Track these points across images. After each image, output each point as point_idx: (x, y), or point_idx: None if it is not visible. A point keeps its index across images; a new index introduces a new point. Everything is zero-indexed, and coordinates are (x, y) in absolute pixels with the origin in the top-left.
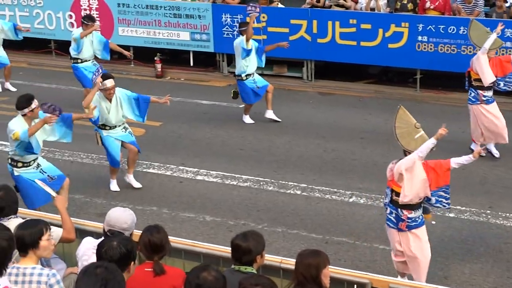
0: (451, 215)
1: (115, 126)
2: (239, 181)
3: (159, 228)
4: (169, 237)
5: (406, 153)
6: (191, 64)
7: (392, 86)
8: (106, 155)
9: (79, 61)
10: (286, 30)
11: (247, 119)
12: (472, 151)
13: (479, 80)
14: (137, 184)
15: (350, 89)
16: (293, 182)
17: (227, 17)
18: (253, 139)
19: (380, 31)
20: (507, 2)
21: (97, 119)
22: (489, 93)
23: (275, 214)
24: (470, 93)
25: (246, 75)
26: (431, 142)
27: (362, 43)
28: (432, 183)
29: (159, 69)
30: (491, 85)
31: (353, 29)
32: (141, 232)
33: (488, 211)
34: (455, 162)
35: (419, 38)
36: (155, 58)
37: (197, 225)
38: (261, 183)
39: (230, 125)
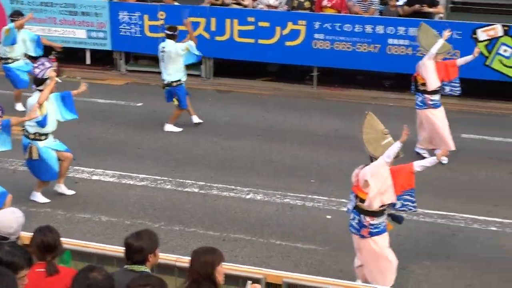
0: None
1: (47, 135)
2: (135, 180)
3: (50, 228)
4: (61, 238)
5: (372, 159)
6: (88, 62)
7: (290, 84)
8: (36, 168)
9: (9, 61)
10: (185, 27)
11: (196, 118)
12: (418, 154)
13: (426, 84)
14: (70, 192)
15: (249, 86)
16: (191, 180)
17: (125, 15)
18: (151, 138)
19: (278, 29)
20: (398, 0)
21: (44, 120)
22: (436, 97)
23: (172, 212)
24: (417, 98)
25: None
26: (396, 146)
27: (260, 41)
28: (397, 188)
29: (55, 68)
30: (438, 89)
31: (251, 27)
32: (33, 233)
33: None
34: (418, 165)
35: (316, 36)
36: (50, 57)
37: (93, 225)
38: (158, 181)
39: (128, 124)
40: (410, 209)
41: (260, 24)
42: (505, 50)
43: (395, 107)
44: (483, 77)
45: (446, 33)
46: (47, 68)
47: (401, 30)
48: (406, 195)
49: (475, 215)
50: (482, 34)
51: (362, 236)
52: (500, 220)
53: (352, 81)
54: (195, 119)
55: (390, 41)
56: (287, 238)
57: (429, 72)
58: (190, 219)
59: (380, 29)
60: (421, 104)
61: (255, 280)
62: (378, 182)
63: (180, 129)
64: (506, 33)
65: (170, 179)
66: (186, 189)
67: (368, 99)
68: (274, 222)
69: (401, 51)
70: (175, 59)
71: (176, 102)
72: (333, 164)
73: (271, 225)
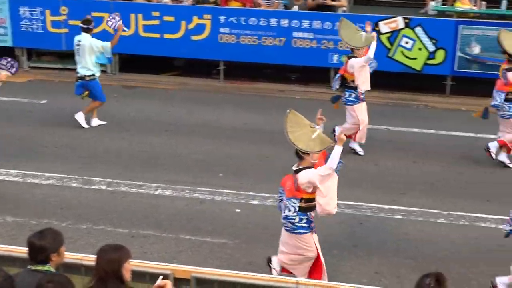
0: (255, 202)
1: None
2: (41, 179)
3: None
4: None
5: (300, 153)
6: None
7: (196, 78)
8: None
9: None
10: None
11: (96, 121)
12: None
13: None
14: None
15: (155, 82)
16: (98, 178)
17: (26, 10)
18: (56, 135)
19: (183, 23)
20: None
21: None
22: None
23: (79, 210)
24: (350, 95)
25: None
26: (339, 151)
27: (166, 36)
28: None
29: None
30: None
31: (156, 22)
32: None
33: None
34: (330, 164)
35: (221, 30)
36: None
37: None
38: (65, 180)
39: (32, 122)
40: None
41: (165, 18)
42: (406, 42)
43: (301, 99)
44: (386, 69)
45: (368, 28)
46: None
47: (306, 23)
48: None
49: (381, 204)
50: (384, 27)
51: (314, 232)
52: (405, 208)
53: (259, 75)
54: (95, 122)
55: (295, 34)
56: (197, 233)
57: (368, 76)
58: (98, 216)
59: (285, 22)
60: (355, 99)
61: (164, 277)
62: (326, 188)
63: (87, 126)
64: (407, 25)
65: (76, 177)
66: (93, 187)
67: (275, 92)
68: (183, 217)
69: (306, 44)
70: (90, 54)
71: (85, 94)
72: (242, 157)
73: (180, 220)
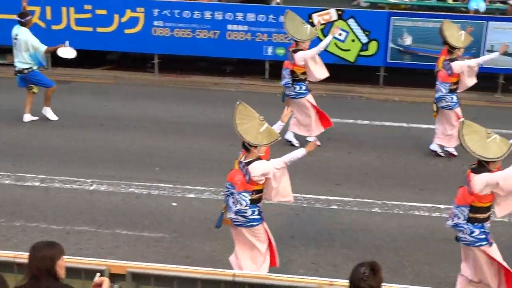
0: (191, 195)
1: None
2: None
3: None
4: None
5: (247, 146)
6: None
7: (131, 72)
8: None
9: None
10: None
11: (28, 117)
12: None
13: (306, 73)
14: None
15: (89, 76)
16: (31, 174)
17: None
18: None
19: (116, 16)
20: None
21: None
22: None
23: (12, 208)
24: (301, 87)
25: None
26: (302, 153)
27: (98, 29)
28: None
29: None
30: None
31: (89, 15)
32: None
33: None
34: (288, 160)
35: (155, 23)
36: None
37: None
38: None
39: None
40: None
41: (98, 12)
42: (340, 34)
43: (237, 92)
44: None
45: (316, 21)
46: None
47: (240, 16)
48: None
49: (317, 195)
50: (317, 18)
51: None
52: (340, 198)
53: (194, 68)
54: (27, 117)
55: (229, 27)
56: (133, 228)
57: (320, 66)
58: (32, 213)
59: (219, 15)
60: (305, 91)
61: (99, 272)
62: (280, 182)
63: (37, 118)
64: (340, 17)
65: (9, 173)
66: (26, 183)
67: (210, 85)
68: (119, 212)
69: (241, 37)
70: (25, 50)
71: (33, 89)
72: (177, 151)
73: (116, 216)
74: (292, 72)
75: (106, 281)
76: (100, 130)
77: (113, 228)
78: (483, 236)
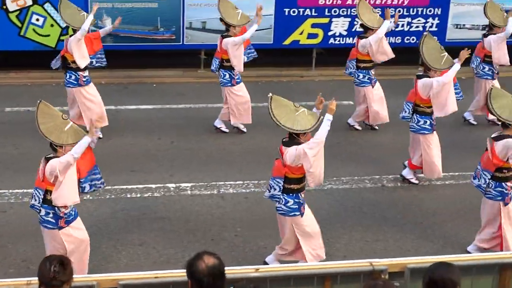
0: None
1: None
2: None
3: None
4: None
5: (53, 146)
6: None
7: None
8: None
9: None
10: None
11: None
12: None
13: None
14: None
15: None
16: None
17: None
18: None
19: None
20: None
21: None
22: (87, 73)
23: None
24: (70, 76)
25: None
26: (86, 141)
27: None
28: (81, 171)
29: None
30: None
31: None
32: None
33: None
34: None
35: None
36: None
37: None
38: None
39: None
40: (100, 186)
41: None
42: (37, 19)
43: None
44: (19, 48)
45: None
46: None
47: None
48: (91, 174)
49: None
50: (12, 5)
51: (61, 228)
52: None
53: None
54: None
55: None
56: None
57: (83, 49)
58: None
59: None
60: (74, 82)
61: None
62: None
63: None
64: (35, 2)
65: None
66: None
67: None
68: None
69: None
70: None
71: None
72: None
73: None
74: (64, 59)
75: None
76: None
77: None
78: (296, 207)
